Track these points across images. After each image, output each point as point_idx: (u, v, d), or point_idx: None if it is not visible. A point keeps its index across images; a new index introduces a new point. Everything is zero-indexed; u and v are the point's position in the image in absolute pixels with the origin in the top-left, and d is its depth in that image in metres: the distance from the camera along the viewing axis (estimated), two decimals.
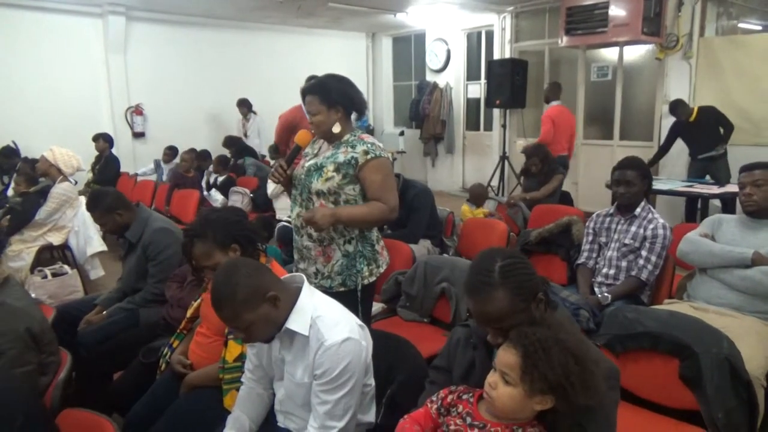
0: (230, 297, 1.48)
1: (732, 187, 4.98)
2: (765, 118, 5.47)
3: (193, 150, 6.47)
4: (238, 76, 8.72)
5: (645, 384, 2.01)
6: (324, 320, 1.54)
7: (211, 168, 6.53)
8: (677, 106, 5.55)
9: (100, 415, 1.46)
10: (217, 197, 5.92)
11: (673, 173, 6.31)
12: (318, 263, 2.29)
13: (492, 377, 1.25)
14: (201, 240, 1.93)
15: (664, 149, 5.90)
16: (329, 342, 1.50)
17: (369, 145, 2.21)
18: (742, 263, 2.37)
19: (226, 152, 7.23)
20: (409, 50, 10.28)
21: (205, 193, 6.07)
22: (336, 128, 2.21)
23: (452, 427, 1.30)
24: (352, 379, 1.51)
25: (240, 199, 5.66)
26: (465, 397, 1.34)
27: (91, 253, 4.29)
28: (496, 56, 8.26)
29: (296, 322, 1.55)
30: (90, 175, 6.81)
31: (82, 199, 4.29)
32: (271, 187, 5.19)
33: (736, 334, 2.02)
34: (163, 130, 7.93)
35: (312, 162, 2.27)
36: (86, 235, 4.30)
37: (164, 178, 7.00)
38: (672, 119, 5.83)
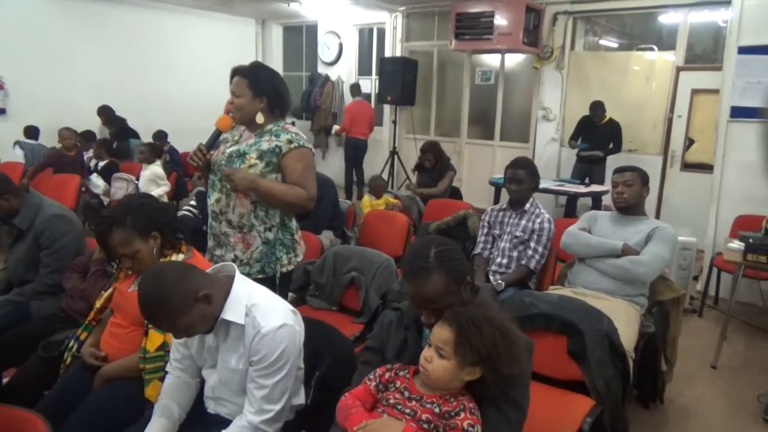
0: (163, 308, 1.45)
1: (596, 187, 5.62)
2: (625, 127, 6.18)
3: (69, 128, 5.94)
4: (118, 53, 8.15)
5: (539, 360, 2.20)
6: (259, 308, 1.57)
7: (91, 152, 6.06)
8: (597, 107, 6.11)
9: (26, 410, 1.39)
10: (98, 183, 5.51)
11: (545, 173, 6.92)
12: (237, 250, 2.29)
13: (427, 352, 1.38)
14: (120, 227, 1.86)
15: (575, 139, 6.39)
16: (266, 329, 1.53)
17: (293, 135, 2.26)
18: (614, 253, 2.73)
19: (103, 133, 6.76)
20: (300, 40, 10.22)
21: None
22: (259, 118, 2.23)
23: (392, 401, 1.42)
24: (288, 363, 1.56)
25: (125, 186, 5.32)
26: (401, 373, 1.46)
27: None
28: (388, 54, 8.49)
29: (232, 312, 1.56)
30: None
31: None
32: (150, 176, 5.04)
33: (610, 314, 2.33)
34: (27, 108, 7.20)
35: (234, 148, 2.26)
36: None
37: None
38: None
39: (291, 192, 2.23)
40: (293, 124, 9.88)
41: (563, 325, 2.20)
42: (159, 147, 5.48)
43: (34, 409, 1.85)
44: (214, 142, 2.31)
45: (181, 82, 8.84)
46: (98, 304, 2.09)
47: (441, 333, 1.37)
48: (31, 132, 6.65)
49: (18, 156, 6.36)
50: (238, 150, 2.26)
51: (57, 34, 7.56)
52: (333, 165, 9.61)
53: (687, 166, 6.25)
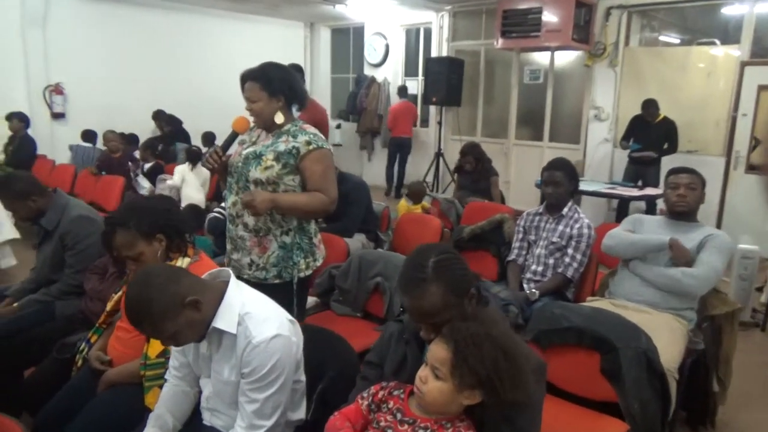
0: (146, 312, 1.39)
1: (650, 190, 5.29)
2: (684, 127, 5.81)
3: (113, 131, 6.13)
4: (168, 59, 8.37)
5: (569, 377, 2.09)
6: (252, 317, 1.49)
7: (137, 153, 6.23)
8: (650, 106, 5.77)
9: (6, 417, 1.35)
10: (144, 184, 5.65)
11: (597, 175, 6.61)
12: (253, 254, 2.23)
13: (423, 371, 1.25)
14: (123, 228, 1.82)
15: (627, 139, 6.07)
16: (257, 339, 1.45)
17: (311, 136, 2.18)
18: (661, 248, 2.50)
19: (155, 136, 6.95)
20: (347, 43, 10.22)
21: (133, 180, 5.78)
22: (279, 118, 2.17)
23: (382, 423, 1.30)
24: (281, 376, 1.47)
25: (168, 188, 5.42)
26: (396, 393, 1.34)
27: (2, 241, 3.99)
28: (434, 54, 8.36)
29: (223, 320, 1.48)
30: (2, 156, 6.35)
31: None
32: (177, 176, 5.10)
33: (652, 329, 2.13)
34: (86, 113, 7.49)
35: (250, 150, 2.21)
36: None
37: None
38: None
39: (312, 201, 2.17)
40: (339, 126, 10.01)
41: (596, 341, 2.02)
42: (195, 152, 5.56)
43: (41, 412, 1.87)
44: (230, 144, 2.27)
45: (232, 86, 8.96)
46: (109, 306, 2.07)
47: (437, 351, 1.24)
48: (89, 136, 6.94)
49: (69, 159, 6.63)
50: (254, 151, 2.20)
51: (112, 41, 7.83)
52: (378, 167, 9.55)
53: (752, 168, 5.80)
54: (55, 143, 7.42)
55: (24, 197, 2.55)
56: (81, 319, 2.37)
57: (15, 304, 2.57)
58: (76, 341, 2.14)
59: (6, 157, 6.32)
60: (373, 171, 9.52)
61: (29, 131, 6.48)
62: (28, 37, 7.14)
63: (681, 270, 2.44)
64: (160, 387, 1.73)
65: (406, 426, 1.26)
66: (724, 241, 2.49)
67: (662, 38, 7.18)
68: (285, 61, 2.36)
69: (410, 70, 9.18)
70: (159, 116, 7.72)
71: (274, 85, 2.15)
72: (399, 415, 1.29)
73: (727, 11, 6.27)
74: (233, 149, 2.33)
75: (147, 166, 5.93)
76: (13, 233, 4.07)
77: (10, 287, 2.74)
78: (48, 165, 6.23)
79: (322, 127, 3.91)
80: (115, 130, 6.33)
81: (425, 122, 9.01)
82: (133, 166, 5.77)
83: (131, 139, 6.53)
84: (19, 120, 6.34)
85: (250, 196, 2.06)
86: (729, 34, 6.23)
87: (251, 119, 2.26)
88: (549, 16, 6.36)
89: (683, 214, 2.60)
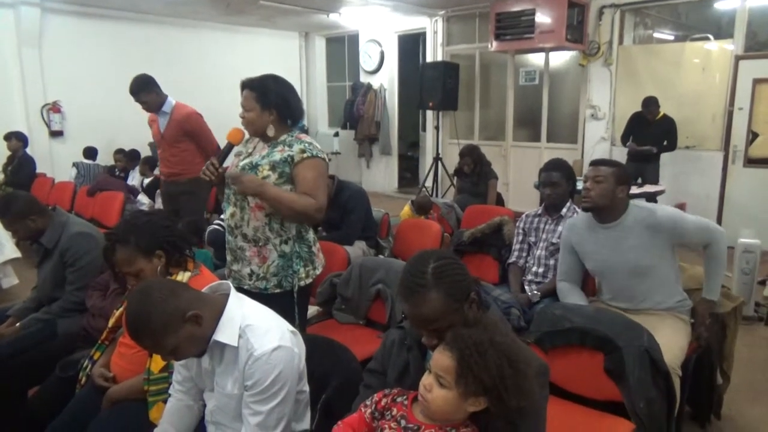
0: (146, 327, 1.39)
1: (650, 187, 5.29)
2: (681, 122, 5.81)
3: (122, 150, 6.17)
4: (165, 74, 8.33)
5: (572, 378, 2.08)
6: (253, 329, 1.48)
7: (137, 169, 6.24)
8: (650, 104, 5.76)
9: None
10: (143, 201, 5.66)
11: None
12: (253, 264, 2.23)
13: (427, 379, 1.25)
14: (123, 245, 1.83)
15: (626, 137, 6.04)
16: (259, 352, 1.44)
17: (306, 145, 2.19)
18: None
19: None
20: (342, 51, 10.25)
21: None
22: (270, 131, 2.20)
23: (387, 431, 1.29)
24: (285, 388, 1.47)
25: None
26: (399, 399, 1.34)
27: (3, 261, 3.99)
28: (429, 59, 8.38)
29: (224, 334, 1.48)
30: (1, 176, 6.37)
31: None
32: None
33: (653, 327, 2.13)
34: (84, 130, 7.52)
35: (246, 161, 2.22)
36: None
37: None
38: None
39: (299, 200, 2.16)
40: (336, 134, 10.02)
41: (599, 341, 2.01)
42: None
43: (47, 430, 1.87)
44: (226, 155, 2.28)
45: (229, 98, 8.99)
46: (111, 322, 2.07)
47: (441, 360, 1.23)
48: (90, 153, 6.96)
49: (72, 176, 6.64)
50: (250, 162, 2.21)
51: (107, 57, 7.84)
52: (377, 174, 9.57)
53: (751, 162, 5.80)
54: (55, 161, 7.44)
55: (23, 217, 2.55)
56: (83, 336, 2.37)
57: (17, 324, 2.57)
58: (79, 359, 2.13)
59: (5, 177, 6.33)
60: (372, 178, 9.54)
61: (28, 150, 6.50)
62: (25, 57, 7.18)
63: (710, 257, 2.36)
64: (164, 402, 1.73)
65: None
66: (673, 218, 2.35)
67: (656, 35, 7.20)
68: (281, 72, 2.37)
69: (408, 76, 9.19)
70: None
71: (269, 98, 2.17)
72: (403, 422, 1.28)
73: (720, 6, 6.29)
74: (229, 161, 2.34)
75: (146, 181, 5.94)
76: (15, 253, 4.07)
77: (12, 306, 2.74)
78: (48, 183, 6.24)
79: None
80: (114, 146, 6.36)
81: (423, 127, 9.01)
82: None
83: (133, 155, 6.55)
84: (17, 139, 6.36)
85: (238, 173, 2.09)
86: (722, 28, 6.24)
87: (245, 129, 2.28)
88: (542, 18, 6.38)
89: (591, 210, 2.44)
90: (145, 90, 3.95)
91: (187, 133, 4.05)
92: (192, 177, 3.98)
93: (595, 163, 2.48)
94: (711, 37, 6.20)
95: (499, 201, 5.43)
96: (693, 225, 2.37)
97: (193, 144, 4.10)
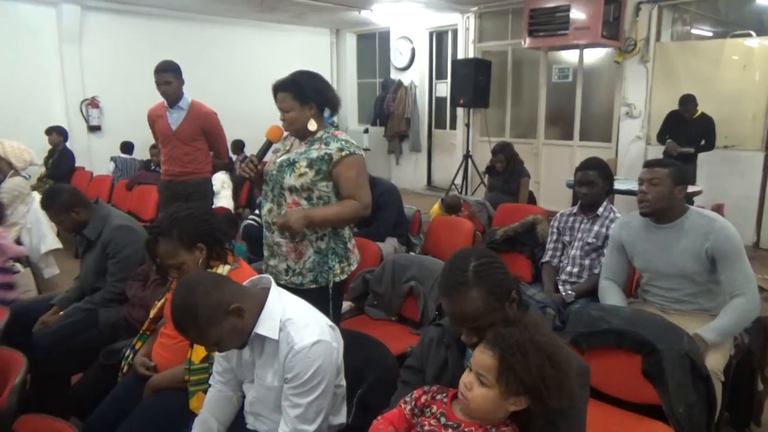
0: (191, 319, 1.42)
1: (687, 188, 5.16)
2: (720, 122, 5.67)
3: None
4: (199, 70, 8.50)
5: (609, 380, 2.06)
6: (293, 323, 1.51)
7: None
8: (687, 102, 5.61)
9: (59, 421, 1.40)
10: None
11: (630, 174, 6.49)
12: (289, 260, 2.26)
13: (467, 377, 1.25)
14: (166, 238, 1.87)
15: (663, 136, 5.90)
16: (299, 345, 1.47)
17: (343, 142, 2.20)
18: None
19: None
20: (373, 48, 10.26)
21: None
22: (312, 125, 2.21)
23: (426, 428, 1.30)
24: (324, 381, 1.49)
25: None
26: (439, 397, 1.34)
27: (45, 251, 4.12)
28: (461, 56, 8.33)
29: (265, 327, 1.51)
30: (43, 169, 6.56)
31: (36, 195, 4.12)
32: (217, 183, 5.16)
33: (698, 330, 2.09)
34: (121, 124, 7.69)
35: (284, 158, 2.25)
36: (39, 231, 4.12)
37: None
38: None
39: (345, 210, 2.21)
40: (366, 131, 10.02)
41: (636, 343, 1.98)
42: (230, 160, 5.66)
43: (91, 417, 1.93)
44: (265, 152, 2.31)
45: (260, 94, 9.09)
46: (152, 313, 2.13)
47: (482, 359, 1.23)
48: (127, 147, 7.14)
49: (111, 170, 6.81)
50: (288, 159, 2.24)
51: (144, 54, 7.94)
52: (406, 170, 9.57)
53: None
54: (93, 155, 7.63)
55: (68, 209, 2.63)
56: (124, 326, 2.44)
57: (61, 313, 2.65)
58: (122, 347, 2.20)
59: (47, 170, 6.52)
60: (402, 174, 9.53)
61: (67, 144, 6.68)
62: (65, 54, 7.37)
63: (733, 307, 2.19)
64: (205, 392, 1.77)
65: (450, 430, 1.27)
66: (730, 241, 2.20)
67: (694, 32, 7.01)
68: (311, 68, 2.39)
69: (440, 73, 9.16)
70: None
71: (306, 93, 2.19)
72: (443, 419, 1.29)
73: (762, 1, 6.10)
74: (268, 158, 2.37)
75: None
76: (56, 243, 4.19)
77: (55, 295, 2.83)
78: (86, 176, 6.41)
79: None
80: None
81: (452, 124, 8.98)
82: None
83: None
84: (58, 134, 6.55)
85: (283, 219, 2.11)
86: (765, 24, 6.06)
87: (284, 128, 2.30)
88: (577, 14, 6.28)
89: (650, 215, 2.34)
90: (174, 72, 3.84)
91: (205, 131, 3.98)
92: (204, 176, 3.98)
93: (649, 164, 2.36)
94: (753, 33, 6.02)
95: (531, 199, 5.38)
96: (741, 265, 2.19)
97: (207, 143, 4.04)
